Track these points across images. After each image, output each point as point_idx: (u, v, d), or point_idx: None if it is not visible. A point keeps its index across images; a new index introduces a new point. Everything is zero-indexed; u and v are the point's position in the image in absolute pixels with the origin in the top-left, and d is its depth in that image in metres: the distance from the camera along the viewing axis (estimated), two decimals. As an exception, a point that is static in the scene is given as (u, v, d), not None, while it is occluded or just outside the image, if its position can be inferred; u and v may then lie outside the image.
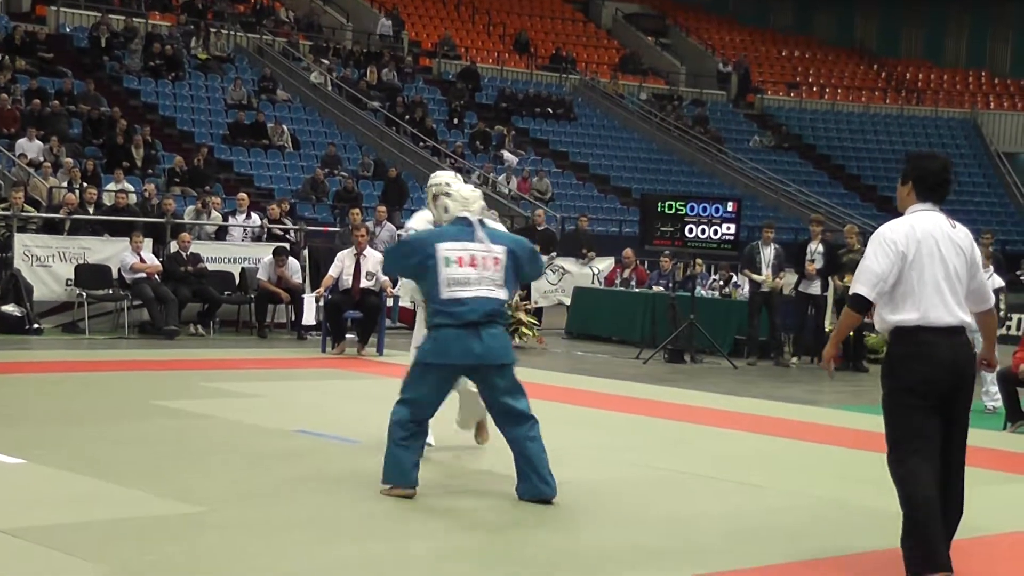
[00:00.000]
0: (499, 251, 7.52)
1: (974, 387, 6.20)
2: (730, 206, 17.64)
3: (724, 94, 42.31)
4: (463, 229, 7.54)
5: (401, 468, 7.41)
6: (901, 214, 6.24)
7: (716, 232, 17.36)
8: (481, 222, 7.62)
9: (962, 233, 6.17)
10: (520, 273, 7.72)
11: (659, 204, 18.05)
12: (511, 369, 7.57)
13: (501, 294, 7.52)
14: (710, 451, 9.90)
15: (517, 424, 7.54)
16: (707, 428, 11.10)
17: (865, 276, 6.05)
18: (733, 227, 17.35)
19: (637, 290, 19.97)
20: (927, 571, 5.77)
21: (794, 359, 17.34)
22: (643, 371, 15.50)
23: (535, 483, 7.45)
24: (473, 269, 7.43)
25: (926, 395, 5.95)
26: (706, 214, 17.44)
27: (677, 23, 45.55)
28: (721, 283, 20.06)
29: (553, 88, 38.52)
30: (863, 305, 6.06)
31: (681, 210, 17.59)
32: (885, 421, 6.12)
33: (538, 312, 19.77)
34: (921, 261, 6.01)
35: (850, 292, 6.16)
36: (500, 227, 8.22)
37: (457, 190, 7.76)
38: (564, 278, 21.10)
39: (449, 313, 7.40)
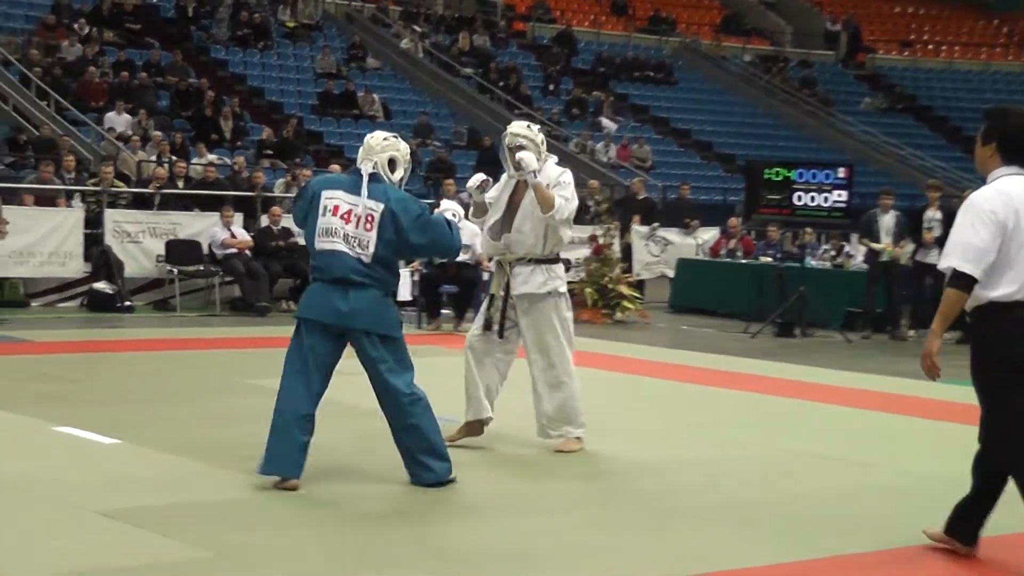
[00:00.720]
0: (375, 209, 7.04)
1: None
2: (841, 172, 17.46)
3: (833, 54, 41.74)
4: (354, 180, 7.18)
5: (279, 455, 7.04)
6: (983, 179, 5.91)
7: (826, 200, 17.20)
8: (375, 176, 7.17)
9: None
10: (405, 241, 7.07)
11: (765, 171, 17.91)
12: (390, 341, 7.16)
13: (364, 256, 7.02)
14: (821, 428, 9.84)
15: (393, 403, 7.17)
16: (818, 404, 11.02)
17: (965, 251, 5.62)
18: (844, 194, 17.17)
19: (743, 261, 19.83)
20: None
21: (911, 332, 17.12)
22: (750, 346, 15.41)
23: (411, 467, 7.22)
24: (343, 223, 7.04)
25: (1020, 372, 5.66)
26: (815, 181, 17.28)
27: (783, -20, 45.04)
28: (832, 253, 19.86)
29: (652, 51, 38.29)
30: (969, 284, 5.63)
31: (789, 177, 17.45)
32: (983, 404, 5.87)
33: (640, 285, 19.74)
34: (1021, 230, 5.64)
35: (948, 269, 5.70)
36: (551, 170, 8.36)
37: (367, 138, 7.47)
38: (667, 249, 21.02)
39: (317, 266, 7.15)
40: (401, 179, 7.35)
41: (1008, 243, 5.64)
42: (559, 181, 8.30)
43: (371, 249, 7.02)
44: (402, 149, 7.39)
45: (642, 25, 39.85)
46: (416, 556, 5.90)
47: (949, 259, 5.69)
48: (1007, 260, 5.65)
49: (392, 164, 7.30)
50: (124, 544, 5.92)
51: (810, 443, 9.05)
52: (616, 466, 8.05)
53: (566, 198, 8.27)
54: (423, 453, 7.19)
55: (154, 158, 22.00)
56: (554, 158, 8.57)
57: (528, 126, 8.55)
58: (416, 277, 16.77)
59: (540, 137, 8.45)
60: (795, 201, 17.35)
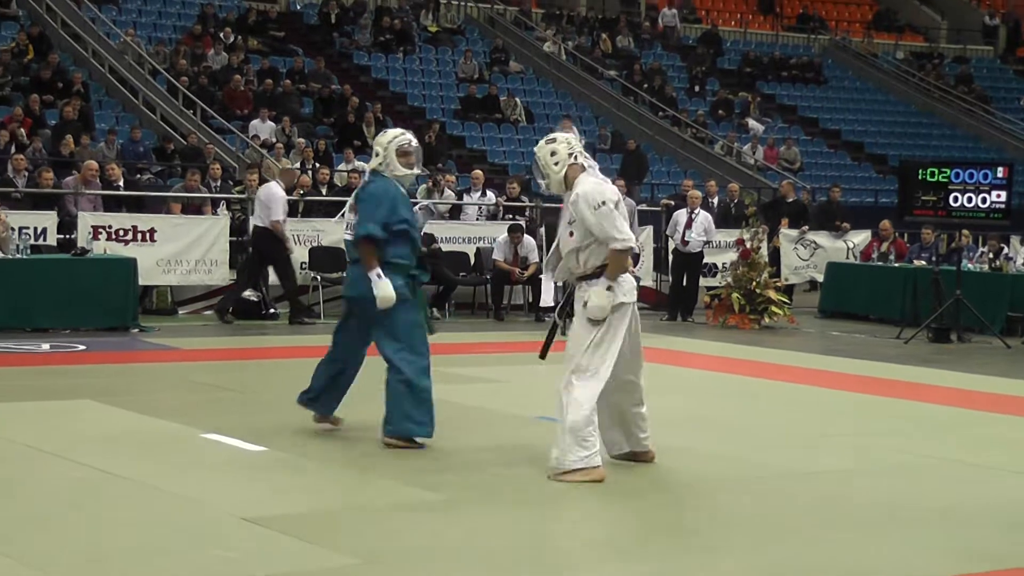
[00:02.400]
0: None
1: None
2: (1000, 172, 17.10)
3: (991, 49, 40.83)
4: None
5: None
6: None
7: (984, 200, 16.86)
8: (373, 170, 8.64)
9: None
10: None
11: (919, 171, 17.61)
12: (366, 305, 8.38)
13: (349, 236, 8.67)
14: (980, 437, 9.64)
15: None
16: (976, 413, 10.79)
17: None
18: (1004, 194, 16.82)
19: (896, 264, 19.50)
20: None
21: (1075, 338, 16.68)
22: (904, 352, 15.14)
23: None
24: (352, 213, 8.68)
25: None
26: (972, 181, 16.95)
27: (937, -26, 44.22)
28: (991, 255, 19.42)
29: (801, 50, 37.85)
30: None
31: (944, 177, 17.13)
32: None
33: (789, 290, 19.52)
34: None
35: None
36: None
37: None
38: (816, 253, 20.75)
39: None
40: (377, 166, 8.62)
41: None
42: (598, 206, 7.85)
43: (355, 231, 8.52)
44: (381, 141, 8.73)
45: (790, 23, 39.43)
46: (578, 556, 5.91)
47: None
48: None
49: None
50: (273, 551, 6.03)
51: (969, 452, 8.86)
52: (771, 472, 7.96)
53: (617, 229, 7.87)
54: (391, 410, 8.55)
55: (298, 165, 22.36)
56: (594, 165, 8.16)
57: (553, 142, 8.10)
58: (560, 283, 16.77)
59: (563, 150, 8.03)
60: (951, 202, 17.04)
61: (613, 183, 8.54)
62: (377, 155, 8.62)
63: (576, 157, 8.00)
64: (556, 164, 7.99)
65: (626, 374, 8.03)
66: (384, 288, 8.30)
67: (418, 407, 8.39)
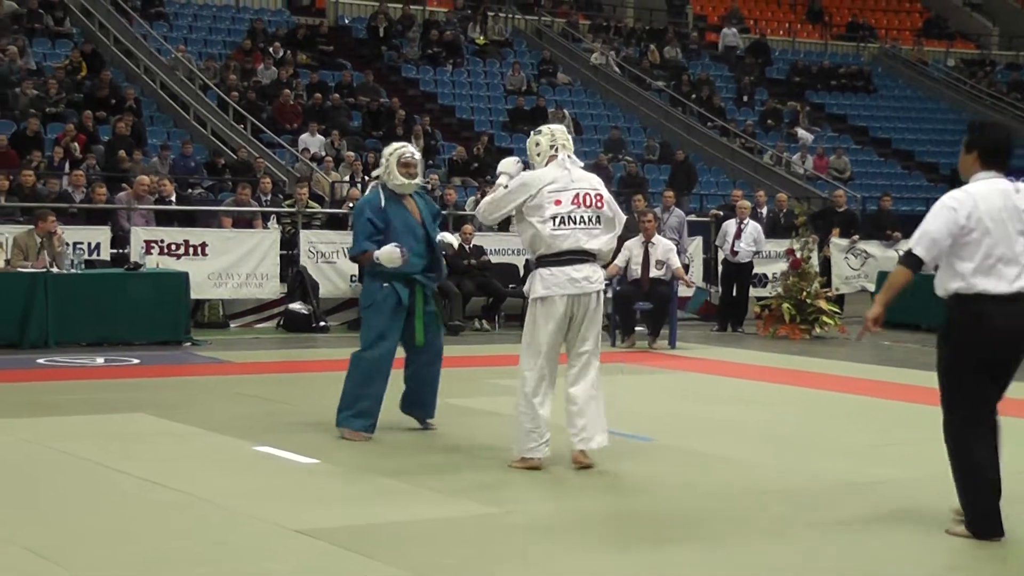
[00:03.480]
0: None
1: None
2: (1052, 179, 16.92)
3: (1044, 55, 40.57)
4: None
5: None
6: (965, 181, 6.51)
7: (1038, 209, 16.69)
8: None
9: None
10: None
11: (971, 180, 17.48)
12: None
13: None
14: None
15: None
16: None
17: (921, 237, 6.40)
18: (1057, 203, 16.63)
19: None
20: (985, 536, 6.38)
21: None
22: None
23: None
24: None
25: (981, 362, 6.38)
26: (1025, 189, 16.79)
27: (988, -20, 43.91)
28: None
29: (850, 58, 37.70)
30: (916, 264, 6.42)
31: (997, 186, 16.99)
32: (941, 386, 6.53)
33: (839, 300, 19.43)
34: (982, 228, 6.32)
35: (905, 250, 6.56)
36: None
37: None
38: (867, 262, 20.64)
39: None
40: (379, 176, 9.24)
41: (968, 239, 6.33)
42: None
43: None
44: (385, 151, 9.33)
45: (839, 32, 39.28)
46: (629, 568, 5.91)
47: (910, 242, 6.51)
48: (968, 256, 6.35)
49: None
50: (326, 564, 6.06)
51: None
52: (822, 482, 7.92)
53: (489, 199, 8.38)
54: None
55: (347, 178, 22.47)
56: (572, 157, 8.28)
57: (538, 133, 8.35)
58: (609, 294, 16.79)
59: (545, 142, 8.25)
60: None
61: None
62: (381, 165, 9.23)
63: (556, 149, 8.21)
64: (538, 155, 8.27)
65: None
66: (384, 254, 8.93)
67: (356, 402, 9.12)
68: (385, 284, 9.04)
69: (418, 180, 9.30)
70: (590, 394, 8.09)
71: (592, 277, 8.10)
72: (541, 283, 8.08)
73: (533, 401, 8.08)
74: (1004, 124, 6.84)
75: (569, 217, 8.06)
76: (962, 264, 6.39)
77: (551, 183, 8.10)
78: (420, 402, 9.45)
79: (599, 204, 8.14)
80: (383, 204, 9.09)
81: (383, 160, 9.24)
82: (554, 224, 8.04)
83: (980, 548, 6.46)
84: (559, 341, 8.15)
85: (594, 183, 8.25)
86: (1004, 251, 6.36)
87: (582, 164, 8.36)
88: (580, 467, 8.11)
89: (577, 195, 8.08)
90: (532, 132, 8.45)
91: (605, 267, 8.81)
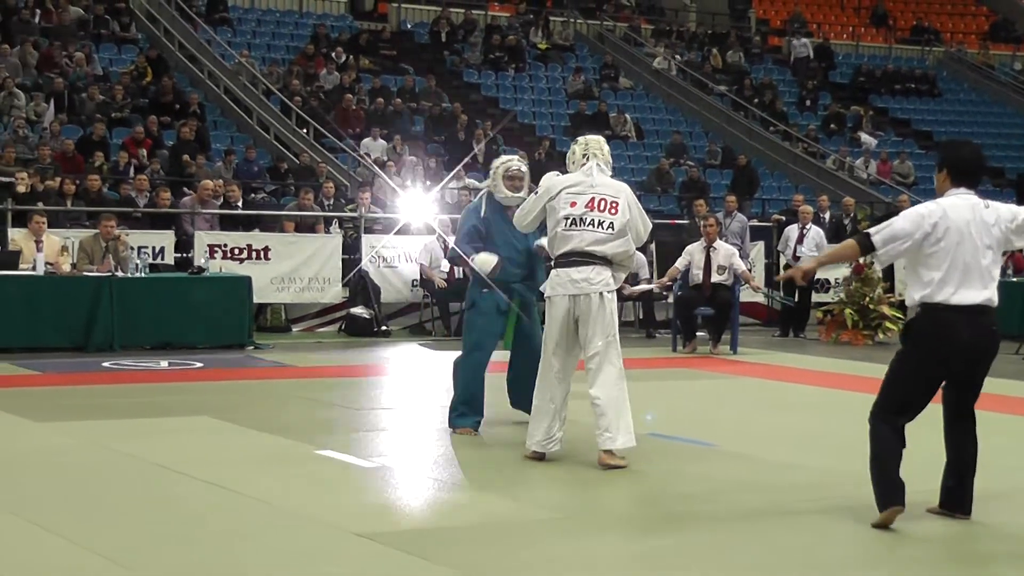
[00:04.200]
0: None
1: (991, 361, 6.72)
2: (1121, 184, 16.71)
3: (1113, 58, 40.03)
4: None
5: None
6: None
7: (1105, 214, 16.48)
8: None
9: (994, 212, 6.69)
10: None
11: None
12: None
13: None
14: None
15: None
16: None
17: (883, 227, 6.73)
18: (1125, 208, 16.41)
19: (1015, 279, 19.16)
20: (885, 504, 6.71)
21: None
22: (1022, 368, 14.85)
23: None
24: None
25: (937, 370, 6.66)
26: (1093, 194, 16.59)
27: (1055, -17, 43.38)
28: (1112, 270, 19.02)
29: (915, 62, 37.37)
30: (867, 246, 6.76)
31: (1064, 190, 16.80)
32: (887, 375, 6.80)
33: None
34: (948, 240, 6.56)
35: (863, 231, 6.92)
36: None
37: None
38: (931, 268, 20.41)
39: None
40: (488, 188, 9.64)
41: (933, 250, 6.58)
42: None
43: None
44: (494, 163, 9.60)
45: (903, 36, 38.93)
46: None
47: (872, 232, 6.81)
48: (934, 266, 6.59)
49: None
50: (388, 568, 6.08)
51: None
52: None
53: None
54: None
55: (408, 183, 22.53)
56: (600, 167, 8.56)
57: (576, 143, 8.79)
58: (670, 299, 16.74)
59: (579, 151, 8.63)
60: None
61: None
62: (489, 177, 9.58)
63: (588, 157, 8.52)
64: (573, 164, 8.62)
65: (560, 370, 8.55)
66: (479, 260, 9.31)
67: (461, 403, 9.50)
68: (485, 289, 9.36)
69: (523, 193, 9.35)
70: (609, 394, 8.27)
71: (593, 279, 8.29)
72: (549, 283, 8.51)
73: (545, 394, 8.52)
74: (972, 143, 7.17)
75: (581, 219, 8.32)
76: (928, 274, 6.63)
77: (571, 186, 8.43)
78: (528, 398, 9.50)
79: (613, 210, 8.32)
80: (483, 213, 9.45)
81: (491, 172, 9.57)
82: (566, 225, 8.35)
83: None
84: (565, 340, 8.40)
85: (615, 190, 8.43)
86: (970, 263, 6.59)
87: (611, 173, 8.58)
88: (607, 467, 8.21)
89: (592, 199, 8.34)
90: (573, 142, 8.81)
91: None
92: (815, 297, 19.11)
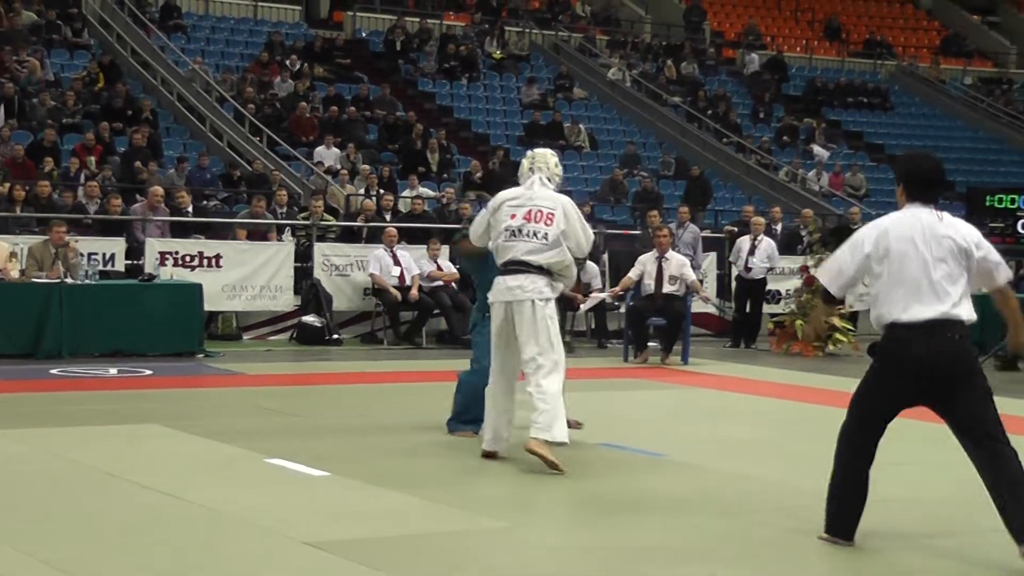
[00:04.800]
0: None
1: (971, 376, 6.52)
2: (1069, 198, 16.94)
3: (1061, 75, 40.50)
4: None
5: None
6: None
7: (1053, 227, 16.71)
8: None
9: (949, 225, 6.55)
10: None
11: (988, 198, 17.54)
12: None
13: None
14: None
15: None
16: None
17: (827, 271, 6.86)
18: (1073, 222, 16.65)
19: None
20: (834, 535, 6.66)
21: None
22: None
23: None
24: None
25: (899, 389, 6.55)
26: (1041, 207, 16.82)
27: (1007, -2, 43.87)
28: (1059, 283, 19.23)
29: (867, 76, 37.68)
30: (828, 298, 6.93)
31: (1013, 204, 17.03)
32: (852, 398, 6.77)
33: (853, 317, 19.38)
34: (892, 257, 6.50)
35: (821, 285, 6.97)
36: None
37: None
38: (882, 280, 20.57)
39: None
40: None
41: (881, 269, 6.55)
42: None
43: None
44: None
45: (856, 49, 39.26)
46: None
47: (820, 275, 6.98)
48: (884, 285, 6.55)
49: None
50: (333, 576, 6.08)
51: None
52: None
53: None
54: None
55: (362, 191, 22.52)
56: (542, 180, 8.90)
57: (525, 157, 9.15)
58: (622, 308, 16.80)
59: (526, 164, 9.03)
60: (1020, 229, 16.90)
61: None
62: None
63: (533, 171, 8.88)
64: (521, 177, 8.97)
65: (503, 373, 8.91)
66: None
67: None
68: (487, 315, 9.29)
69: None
70: (546, 392, 8.50)
71: (527, 287, 8.59)
72: (491, 291, 8.85)
73: (487, 401, 8.92)
74: (931, 156, 6.99)
75: (519, 230, 8.68)
76: (880, 292, 6.60)
77: (511, 199, 8.82)
78: None
79: (549, 221, 8.64)
80: None
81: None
82: (505, 236, 8.72)
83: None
84: (506, 345, 8.75)
85: (552, 202, 8.73)
86: (918, 278, 6.47)
87: (556, 186, 8.90)
88: (533, 453, 8.45)
89: (530, 211, 8.70)
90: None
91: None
92: (766, 308, 19.22)
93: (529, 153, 9.11)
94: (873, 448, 6.68)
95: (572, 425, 9.28)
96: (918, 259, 6.49)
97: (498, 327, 8.76)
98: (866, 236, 6.63)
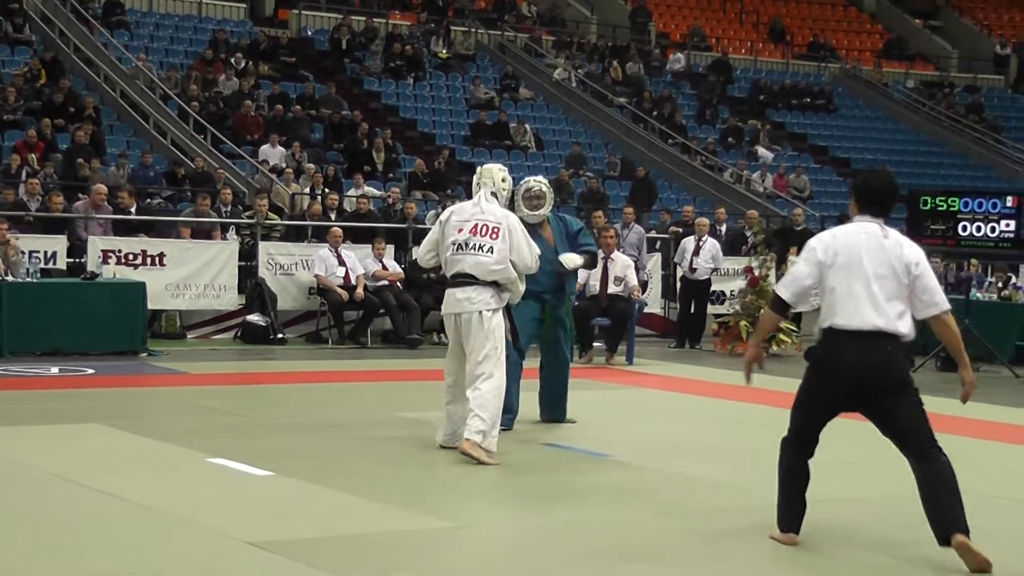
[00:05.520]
0: None
1: (905, 387, 6.68)
2: (1009, 201, 17.08)
3: (1002, 79, 40.91)
4: None
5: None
6: None
7: (993, 230, 16.85)
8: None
9: (895, 242, 6.66)
10: None
11: (928, 200, 17.63)
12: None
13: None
14: (989, 466, 9.63)
15: None
16: (985, 442, 10.78)
17: (786, 279, 6.92)
18: (1013, 224, 16.79)
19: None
20: (783, 529, 6.80)
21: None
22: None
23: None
24: None
25: (829, 395, 6.71)
26: (982, 210, 16.95)
27: (948, 2, 44.24)
28: (999, 285, 19.42)
29: (811, 78, 37.96)
30: (782, 307, 6.90)
31: (953, 206, 17.15)
32: (793, 404, 6.89)
33: (796, 318, 19.50)
34: (838, 265, 6.62)
35: (773, 293, 7.03)
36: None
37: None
38: (825, 281, 20.70)
39: None
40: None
41: (828, 278, 6.65)
42: None
43: None
44: (516, 191, 10.02)
45: (801, 52, 39.52)
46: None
47: (778, 286, 7.03)
48: (828, 293, 6.67)
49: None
50: (276, 576, 6.06)
51: (977, 481, 8.83)
52: (770, 501, 7.98)
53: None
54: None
55: (307, 190, 22.43)
56: (487, 197, 9.23)
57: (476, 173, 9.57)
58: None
59: (475, 180, 9.46)
60: (960, 231, 17.03)
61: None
62: (515, 200, 10.17)
63: (480, 186, 9.25)
64: (474, 192, 9.34)
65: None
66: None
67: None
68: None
69: (544, 211, 10.31)
70: (485, 399, 8.74)
71: (474, 298, 8.91)
72: (443, 303, 9.22)
73: (445, 398, 9.20)
74: (885, 172, 7.26)
75: (466, 243, 9.00)
76: (825, 298, 6.73)
77: (459, 214, 9.18)
78: (555, 404, 10.74)
79: (494, 236, 8.96)
80: None
81: (515, 195, 10.06)
82: (453, 249, 9.05)
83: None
84: (457, 352, 9.07)
85: (497, 218, 9.06)
86: (859, 289, 6.59)
87: (498, 203, 9.23)
88: (465, 454, 8.66)
89: (476, 225, 9.02)
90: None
91: None
92: (711, 308, 19.31)
93: (478, 169, 9.46)
94: (813, 447, 6.86)
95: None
96: (860, 271, 6.61)
97: (452, 336, 9.09)
98: (817, 245, 6.78)
